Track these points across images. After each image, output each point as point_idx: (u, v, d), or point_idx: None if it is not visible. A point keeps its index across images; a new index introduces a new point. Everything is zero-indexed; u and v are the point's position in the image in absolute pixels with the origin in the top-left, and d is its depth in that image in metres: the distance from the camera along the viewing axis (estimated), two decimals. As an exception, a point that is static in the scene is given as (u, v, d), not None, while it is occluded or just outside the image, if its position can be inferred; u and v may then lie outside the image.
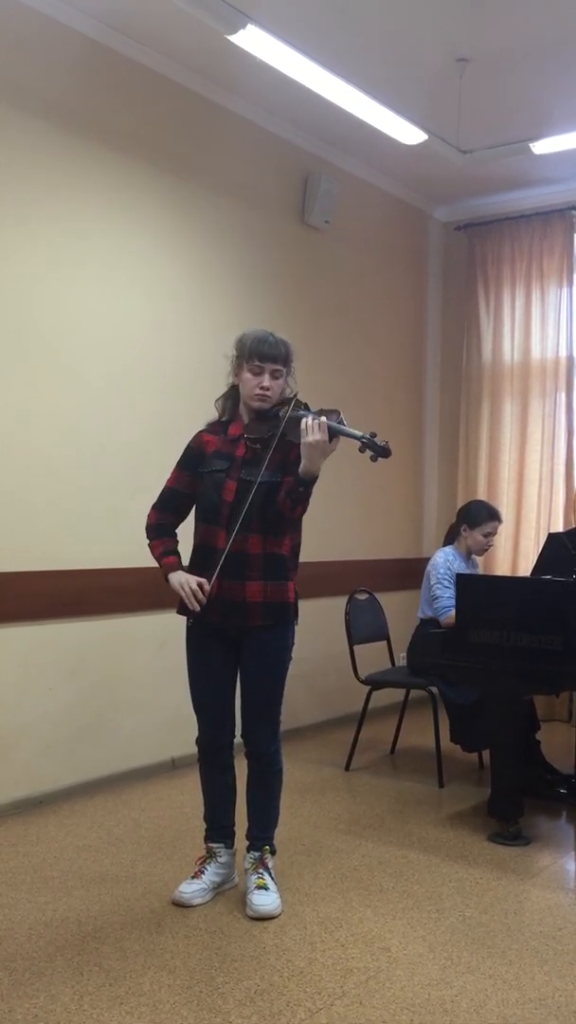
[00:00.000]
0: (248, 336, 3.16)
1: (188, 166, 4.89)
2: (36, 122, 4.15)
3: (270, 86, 4.81)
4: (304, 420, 2.99)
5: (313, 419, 2.98)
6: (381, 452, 3.01)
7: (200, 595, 3.04)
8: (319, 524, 5.49)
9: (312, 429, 2.96)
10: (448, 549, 4.80)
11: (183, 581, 3.08)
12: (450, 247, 6.91)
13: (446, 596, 4.60)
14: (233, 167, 5.17)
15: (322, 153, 5.71)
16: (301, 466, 3.00)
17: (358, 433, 3.04)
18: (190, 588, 3.05)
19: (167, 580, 3.14)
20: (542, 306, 6.31)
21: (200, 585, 3.05)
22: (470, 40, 4.43)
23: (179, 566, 3.16)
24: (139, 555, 4.48)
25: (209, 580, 3.05)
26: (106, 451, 4.47)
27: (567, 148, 5.19)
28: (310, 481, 3.02)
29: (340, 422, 3.06)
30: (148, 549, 3.23)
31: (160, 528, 3.23)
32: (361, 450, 3.05)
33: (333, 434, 3.01)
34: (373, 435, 3.04)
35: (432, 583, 4.69)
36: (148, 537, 3.25)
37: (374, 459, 3.05)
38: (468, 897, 3.30)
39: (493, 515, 4.81)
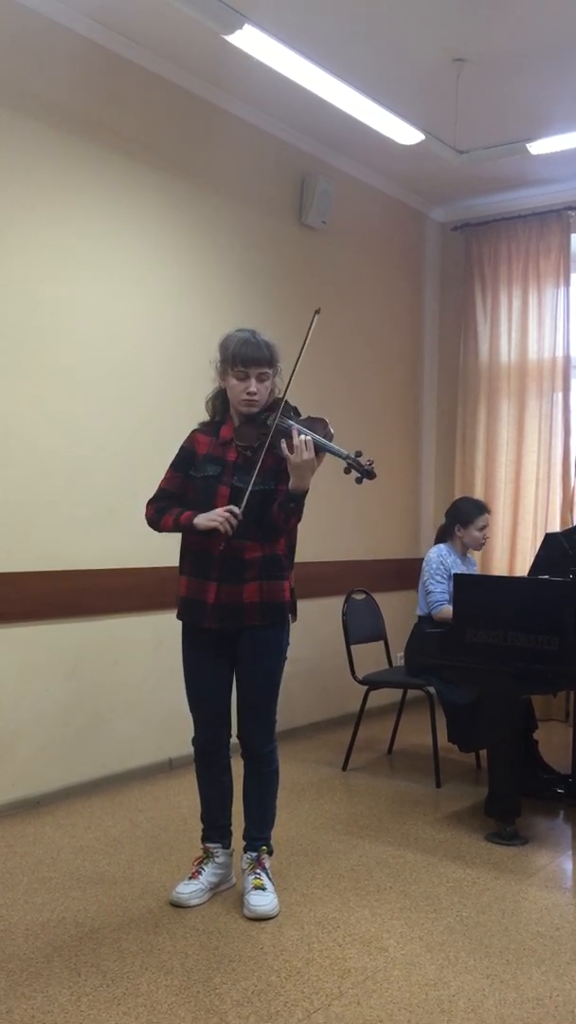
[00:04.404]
0: (231, 339, 3.13)
1: (185, 167, 4.89)
2: (33, 123, 4.14)
3: (267, 86, 4.81)
4: (292, 438, 2.96)
5: (299, 436, 2.96)
6: (366, 474, 3.00)
7: (234, 520, 2.99)
8: (316, 525, 5.49)
9: (300, 450, 2.95)
10: (442, 546, 4.82)
11: (210, 515, 3.03)
12: (447, 247, 6.92)
13: (439, 590, 4.64)
14: (230, 167, 5.17)
15: (319, 153, 5.71)
16: (291, 483, 3.01)
17: (344, 452, 3.02)
18: (222, 517, 2.99)
19: (195, 527, 3.05)
20: (539, 306, 6.32)
21: (230, 512, 2.99)
22: (467, 41, 4.43)
23: (196, 515, 3.10)
24: (136, 556, 4.52)
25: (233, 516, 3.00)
26: (104, 451, 4.47)
27: (564, 148, 5.20)
28: (301, 495, 3.03)
29: (327, 433, 3.06)
30: (155, 540, 3.20)
31: (161, 509, 3.19)
32: (346, 471, 3.03)
33: (319, 450, 3.00)
34: (358, 454, 3.02)
35: (426, 578, 4.72)
36: (155, 523, 3.19)
37: (359, 481, 3.02)
38: (465, 897, 3.31)
39: (482, 508, 4.86)
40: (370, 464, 3.02)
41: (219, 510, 3.02)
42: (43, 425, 4.22)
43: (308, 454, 2.95)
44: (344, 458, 3.02)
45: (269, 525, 3.09)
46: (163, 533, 3.21)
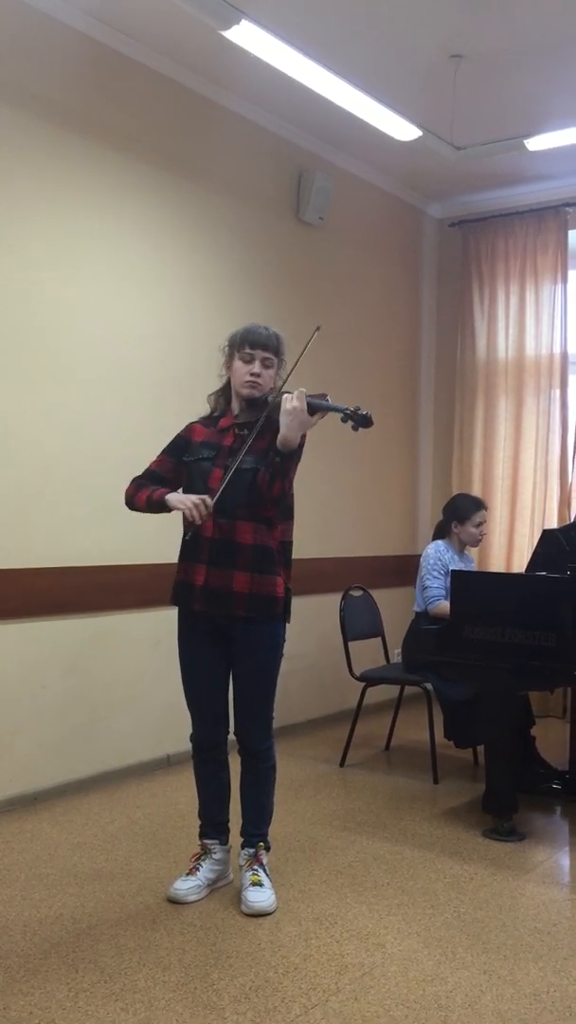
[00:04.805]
0: (240, 328, 3.20)
1: (182, 163, 4.88)
2: (29, 119, 4.13)
3: (264, 82, 4.80)
4: (285, 393, 3.02)
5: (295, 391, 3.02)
6: (361, 421, 3.02)
7: (203, 509, 3.01)
8: (314, 521, 5.51)
9: (291, 398, 2.99)
10: (440, 543, 4.83)
11: (182, 497, 3.07)
12: (444, 243, 6.91)
13: (435, 586, 4.66)
14: (228, 163, 5.16)
15: (317, 149, 5.70)
16: (279, 436, 3.01)
17: (340, 405, 3.05)
18: (191, 502, 3.02)
19: (167, 505, 3.10)
20: (536, 303, 6.32)
21: (202, 500, 3.01)
22: (465, 37, 4.42)
23: (171, 492, 3.14)
24: (134, 552, 4.52)
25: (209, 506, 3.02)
26: (102, 448, 4.47)
27: (561, 145, 5.20)
28: (287, 453, 3.01)
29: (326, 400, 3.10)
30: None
31: (140, 485, 3.23)
32: (343, 420, 3.06)
33: (315, 409, 3.02)
34: (356, 408, 3.04)
35: (423, 575, 4.74)
36: (131, 498, 3.23)
37: (355, 428, 3.06)
38: (463, 893, 3.31)
39: (479, 505, 4.88)
40: (367, 413, 3.03)
41: (193, 496, 3.04)
42: (43, 425, 4.21)
43: (297, 401, 2.97)
44: (340, 410, 3.04)
45: (257, 497, 3.08)
46: (134, 511, 3.25)
